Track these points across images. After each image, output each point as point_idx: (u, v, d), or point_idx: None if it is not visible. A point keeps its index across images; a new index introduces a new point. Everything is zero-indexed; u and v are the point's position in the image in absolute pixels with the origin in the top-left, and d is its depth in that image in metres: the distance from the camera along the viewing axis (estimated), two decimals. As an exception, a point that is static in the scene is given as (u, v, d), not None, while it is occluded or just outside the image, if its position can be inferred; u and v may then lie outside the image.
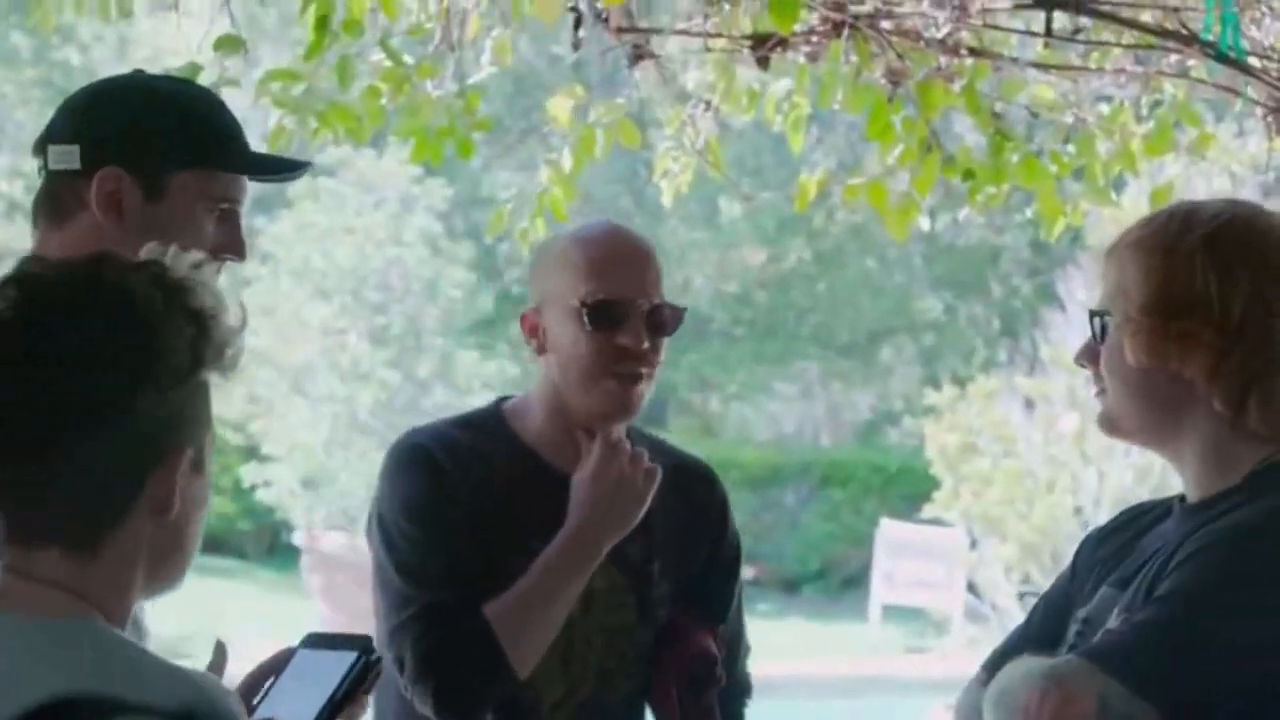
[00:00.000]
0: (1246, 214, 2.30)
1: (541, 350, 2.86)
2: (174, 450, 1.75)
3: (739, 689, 3.02)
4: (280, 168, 2.65)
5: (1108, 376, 2.32)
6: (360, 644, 1.96)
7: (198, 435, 1.78)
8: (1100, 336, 2.32)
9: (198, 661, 1.98)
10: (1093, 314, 2.33)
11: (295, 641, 2.04)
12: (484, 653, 2.75)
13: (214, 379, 1.79)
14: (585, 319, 2.80)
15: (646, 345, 2.81)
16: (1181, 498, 2.33)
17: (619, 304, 2.80)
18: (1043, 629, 2.40)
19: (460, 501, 2.81)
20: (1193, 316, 2.23)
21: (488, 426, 2.90)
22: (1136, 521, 2.40)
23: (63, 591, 1.72)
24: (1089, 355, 2.35)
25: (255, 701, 1.94)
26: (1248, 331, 2.22)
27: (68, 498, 1.72)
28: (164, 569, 1.79)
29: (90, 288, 1.74)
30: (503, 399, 2.98)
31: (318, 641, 2.00)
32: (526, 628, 2.77)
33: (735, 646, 3.00)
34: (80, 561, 1.73)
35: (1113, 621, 2.24)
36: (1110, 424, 2.35)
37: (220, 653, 1.92)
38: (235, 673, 1.98)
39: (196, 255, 1.80)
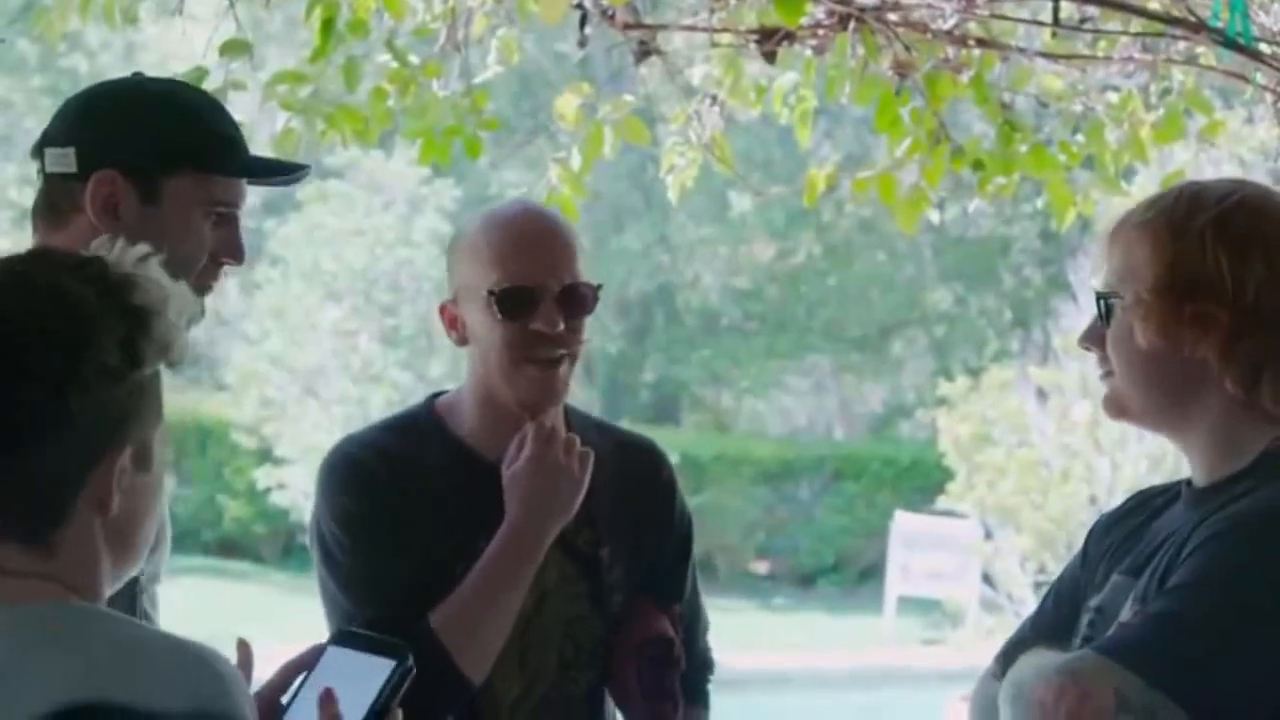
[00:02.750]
0: (1255, 194, 2.27)
1: (463, 341, 2.80)
2: (112, 447, 1.74)
3: (701, 665, 2.97)
4: (278, 170, 2.61)
5: (1115, 359, 2.29)
6: (397, 652, 1.93)
7: (141, 431, 1.77)
8: (1106, 318, 2.29)
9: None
10: (1099, 296, 2.29)
11: (311, 641, 2.01)
12: (432, 663, 2.62)
13: (163, 372, 1.77)
14: (495, 308, 2.73)
15: (562, 328, 2.73)
16: (1189, 481, 2.31)
17: (528, 290, 2.72)
18: (1055, 617, 2.37)
19: (396, 509, 2.75)
20: (1206, 297, 2.20)
21: (420, 426, 2.84)
22: (1145, 506, 2.37)
23: (34, 579, 1.73)
24: (1094, 338, 2.32)
25: (285, 701, 1.93)
26: (1262, 312, 2.20)
27: (11, 496, 1.72)
28: (121, 560, 1.80)
29: (20, 289, 1.74)
30: (436, 395, 2.92)
31: (350, 640, 1.97)
32: (474, 632, 2.70)
33: (694, 624, 2.95)
34: (40, 554, 1.74)
35: (1126, 611, 2.22)
36: (1117, 407, 2.32)
37: (244, 652, 1.91)
38: (256, 678, 1.96)
39: (142, 249, 1.78)
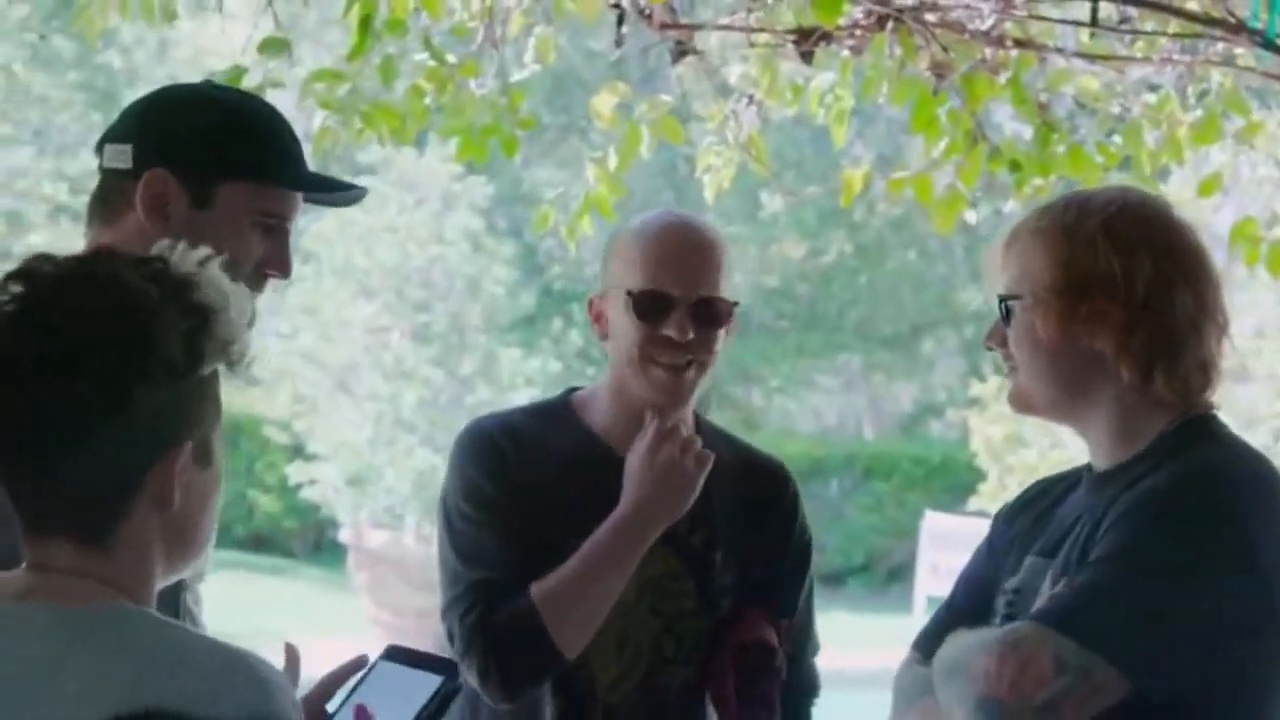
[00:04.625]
0: (1138, 200, 2.47)
1: (604, 336, 2.91)
2: (174, 444, 1.75)
3: (807, 686, 3.02)
4: (332, 187, 2.59)
5: (1018, 355, 2.44)
6: (445, 668, 1.95)
7: (201, 428, 1.78)
8: (1007, 319, 2.44)
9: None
10: (1001, 298, 2.44)
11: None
12: (527, 630, 2.77)
13: (222, 373, 1.79)
14: (632, 309, 2.84)
15: (692, 336, 2.83)
16: (1089, 467, 2.46)
17: (663, 296, 2.83)
18: (967, 605, 2.50)
19: (520, 486, 2.85)
20: (1100, 295, 2.37)
21: (556, 415, 2.94)
22: (1048, 494, 2.53)
23: (84, 579, 1.73)
24: (997, 338, 2.47)
25: (333, 710, 1.93)
26: (1152, 307, 2.36)
27: (71, 491, 1.73)
28: (178, 557, 1.80)
29: (85, 284, 1.75)
30: (573, 389, 3.02)
31: (399, 656, 1.98)
32: (571, 607, 2.78)
33: (803, 643, 3.00)
34: (95, 552, 1.74)
35: (1046, 588, 2.37)
36: (1023, 401, 2.48)
37: (292, 656, 1.92)
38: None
39: (203, 251, 1.80)
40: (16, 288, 1.75)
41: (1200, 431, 2.39)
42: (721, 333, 2.88)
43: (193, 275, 1.77)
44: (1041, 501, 2.51)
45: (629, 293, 2.84)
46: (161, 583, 1.80)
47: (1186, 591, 2.28)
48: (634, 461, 2.83)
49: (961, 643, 2.35)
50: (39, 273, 1.76)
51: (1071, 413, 2.44)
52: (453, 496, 2.88)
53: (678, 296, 2.83)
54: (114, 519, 1.74)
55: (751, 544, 2.94)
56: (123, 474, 1.74)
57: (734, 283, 2.92)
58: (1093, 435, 2.44)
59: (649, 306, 2.83)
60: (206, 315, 1.76)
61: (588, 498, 2.84)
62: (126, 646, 1.69)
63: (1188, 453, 2.35)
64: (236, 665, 1.70)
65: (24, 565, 1.77)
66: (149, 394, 1.72)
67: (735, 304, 2.90)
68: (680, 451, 2.83)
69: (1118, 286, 2.36)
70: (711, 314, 2.85)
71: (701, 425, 2.96)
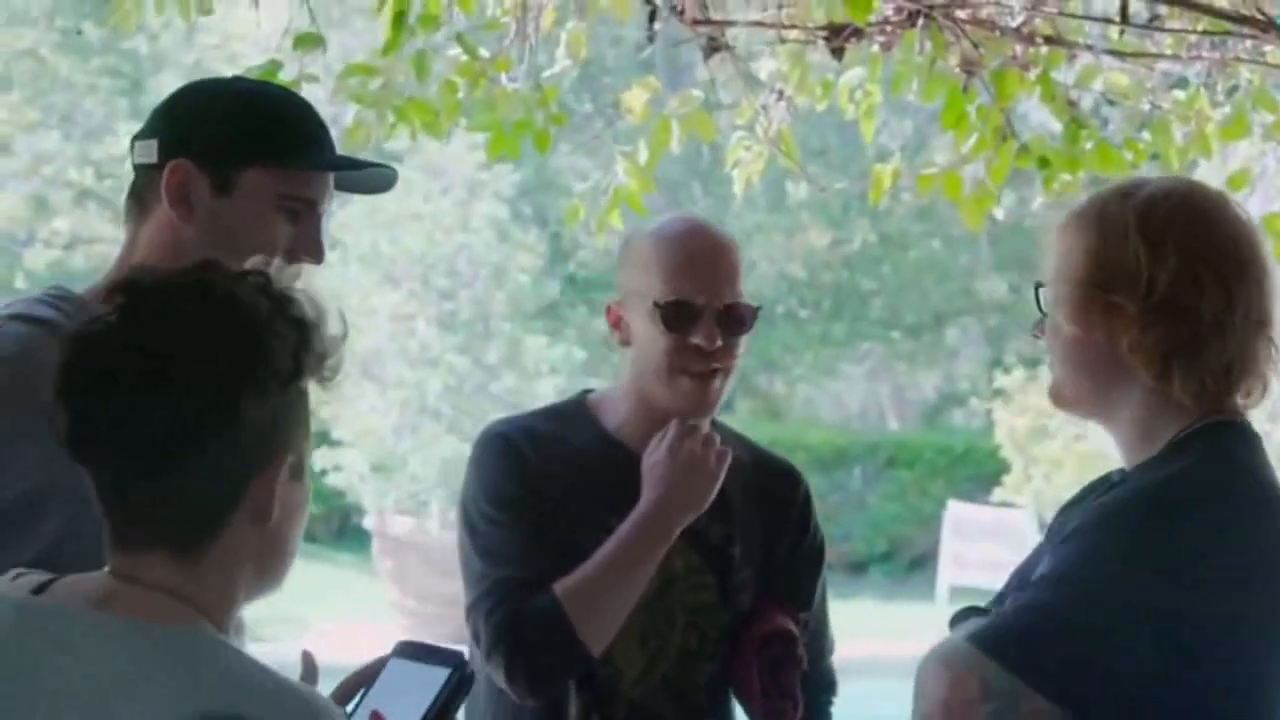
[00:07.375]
0: (1185, 191, 2.34)
1: (625, 342, 2.92)
2: (275, 456, 1.77)
3: (825, 685, 3.05)
4: (354, 166, 2.57)
5: (1050, 347, 2.36)
6: (453, 660, 1.96)
7: (297, 442, 1.80)
8: (1042, 309, 2.36)
9: (275, 646, 1.99)
10: (1037, 286, 2.36)
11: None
12: (553, 628, 2.79)
13: (313, 387, 1.81)
14: (660, 320, 2.86)
15: (719, 344, 2.85)
16: (1122, 470, 2.38)
17: (691, 305, 2.85)
18: (1006, 591, 2.42)
19: (541, 486, 2.87)
20: (1118, 288, 2.27)
21: (572, 416, 2.97)
22: (1095, 490, 2.43)
23: (170, 596, 1.73)
24: (1040, 327, 2.39)
25: (350, 710, 1.95)
26: (1173, 303, 2.25)
27: (173, 504, 1.73)
28: (266, 573, 1.81)
29: (198, 295, 1.75)
30: (587, 391, 3.04)
31: (410, 652, 2.00)
32: (596, 604, 2.81)
33: (820, 641, 3.03)
34: (184, 566, 1.74)
35: None
36: (1056, 395, 2.39)
37: (309, 663, 1.94)
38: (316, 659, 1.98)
39: (295, 269, 1.83)
40: (122, 300, 1.75)
41: (1205, 440, 2.27)
42: (745, 339, 2.91)
43: (290, 290, 1.79)
44: (1085, 499, 2.42)
45: (656, 303, 2.86)
46: (245, 603, 1.81)
47: (1112, 620, 2.17)
48: (655, 458, 2.86)
49: (935, 645, 2.27)
50: (139, 284, 1.77)
51: (1099, 411, 2.35)
52: (474, 499, 2.90)
53: (704, 305, 2.86)
54: (210, 533, 1.75)
55: (768, 540, 2.97)
56: (226, 487, 1.75)
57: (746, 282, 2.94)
58: (1119, 437, 2.34)
59: (676, 316, 2.85)
60: (307, 329, 1.78)
61: (605, 492, 2.88)
62: (198, 678, 1.69)
63: (1170, 464, 2.24)
64: (294, 704, 1.71)
65: (106, 570, 1.77)
66: (255, 406, 1.74)
67: (758, 308, 2.93)
68: (701, 447, 2.85)
69: (1139, 280, 2.25)
70: (737, 320, 2.89)
71: (716, 427, 2.98)
